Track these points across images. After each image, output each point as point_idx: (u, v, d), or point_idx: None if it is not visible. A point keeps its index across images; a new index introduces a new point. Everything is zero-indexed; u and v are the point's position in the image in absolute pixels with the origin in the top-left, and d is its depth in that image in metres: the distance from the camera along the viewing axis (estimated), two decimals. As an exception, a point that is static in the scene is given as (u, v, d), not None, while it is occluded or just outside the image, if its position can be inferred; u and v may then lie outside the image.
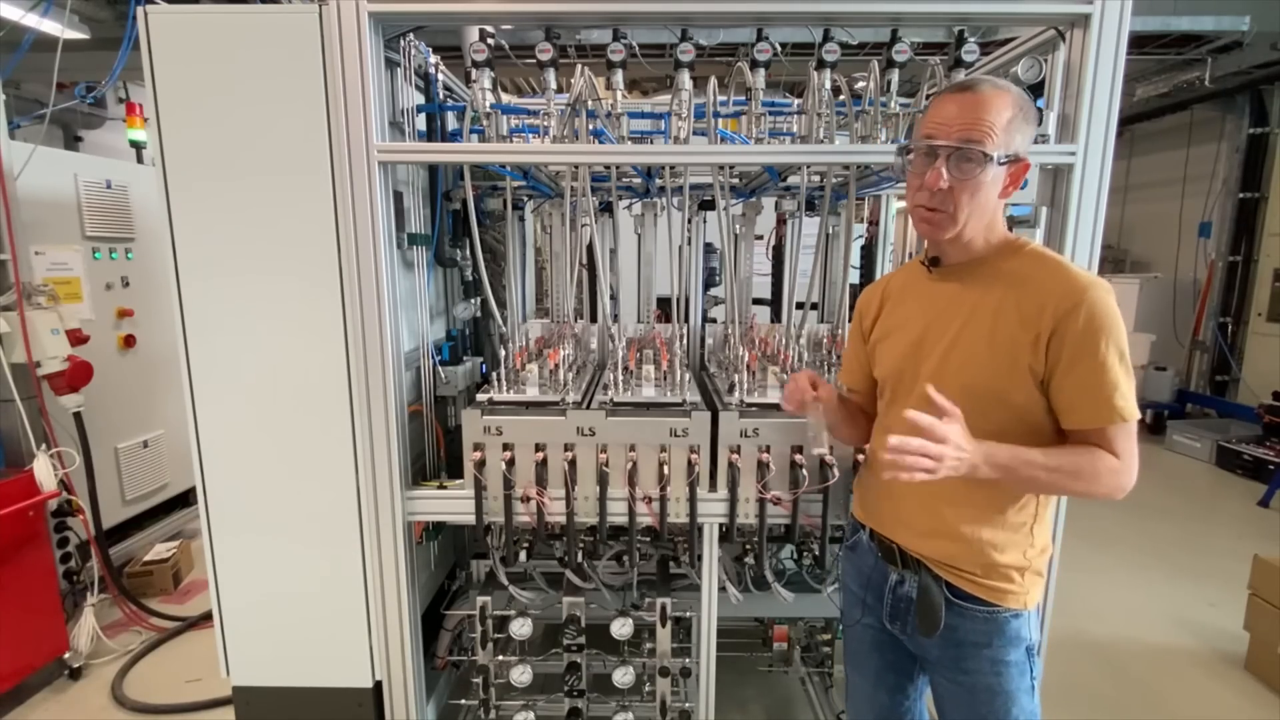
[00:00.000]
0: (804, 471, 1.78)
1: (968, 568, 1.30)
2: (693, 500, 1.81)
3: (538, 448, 1.82)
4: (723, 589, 1.97)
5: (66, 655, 2.70)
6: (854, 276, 2.71)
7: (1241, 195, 6.24)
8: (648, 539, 2.04)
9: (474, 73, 1.90)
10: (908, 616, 1.39)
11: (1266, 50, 5.26)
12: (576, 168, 2.10)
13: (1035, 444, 1.24)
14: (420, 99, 2.08)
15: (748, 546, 2.02)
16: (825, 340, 2.49)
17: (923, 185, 1.22)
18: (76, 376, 2.77)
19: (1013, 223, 1.90)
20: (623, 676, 2.03)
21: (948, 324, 1.31)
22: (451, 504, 1.91)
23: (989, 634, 1.31)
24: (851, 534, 1.57)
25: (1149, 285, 6.67)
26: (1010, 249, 1.29)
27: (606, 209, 2.50)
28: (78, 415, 2.81)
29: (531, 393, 1.91)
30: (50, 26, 3.19)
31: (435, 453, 2.11)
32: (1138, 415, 1.19)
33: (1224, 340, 6.42)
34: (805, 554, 2.09)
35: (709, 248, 2.71)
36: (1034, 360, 1.20)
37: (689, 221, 2.42)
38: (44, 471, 2.58)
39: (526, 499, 1.83)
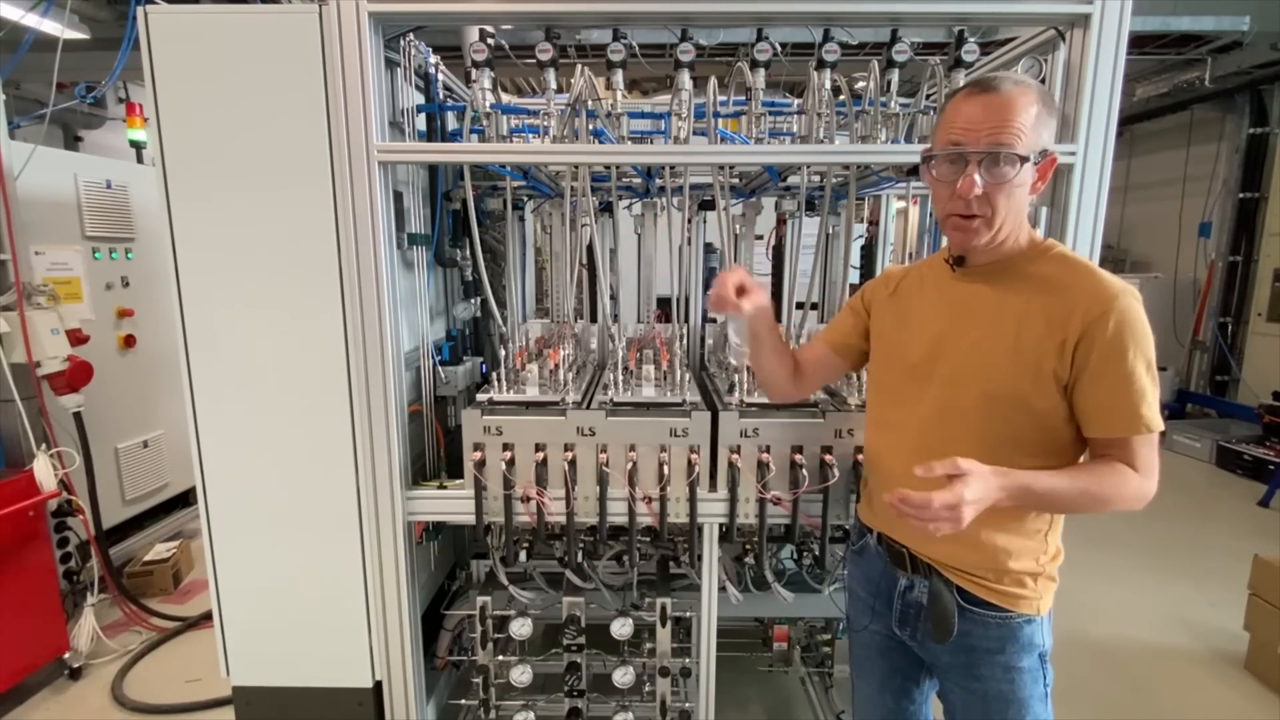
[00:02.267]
0: (804, 471, 1.78)
1: (980, 573, 1.28)
2: (693, 500, 1.81)
3: (538, 448, 1.82)
4: (723, 589, 1.97)
5: (66, 655, 2.70)
6: (854, 276, 2.71)
7: (1241, 195, 6.23)
8: (648, 539, 2.04)
9: (474, 73, 1.89)
10: (917, 622, 1.37)
11: (1266, 50, 5.26)
12: (576, 168, 2.10)
13: (1054, 450, 1.23)
14: (420, 99, 2.08)
15: (748, 546, 2.02)
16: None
17: (954, 194, 1.17)
18: (76, 376, 2.77)
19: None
20: (623, 676, 2.03)
21: (969, 325, 1.27)
22: (451, 504, 1.91)
23: (1001, 640, 1.29)
24: (858, 538, 1.54)
25: (1149, 285, 6.66)
26: (1037, 251, 1.26)
27: (606, 209, 2.50)
28: (78, 415, 2.81)
29: (531, 393, 1.91)
30: (50, 26, 3.19)
31: (435, 453, 2.11)
32: (1162, 426, 1.17)
33: (1224, 340, 6.42)
34: (805, 554, 2.08)
35: (709, 248, 2.71)
36: (1059, 366, 1.17)
37: (689, 221, 2.42)
38: (44, 471, 2.58)
39: (526, 499, 1.83)
